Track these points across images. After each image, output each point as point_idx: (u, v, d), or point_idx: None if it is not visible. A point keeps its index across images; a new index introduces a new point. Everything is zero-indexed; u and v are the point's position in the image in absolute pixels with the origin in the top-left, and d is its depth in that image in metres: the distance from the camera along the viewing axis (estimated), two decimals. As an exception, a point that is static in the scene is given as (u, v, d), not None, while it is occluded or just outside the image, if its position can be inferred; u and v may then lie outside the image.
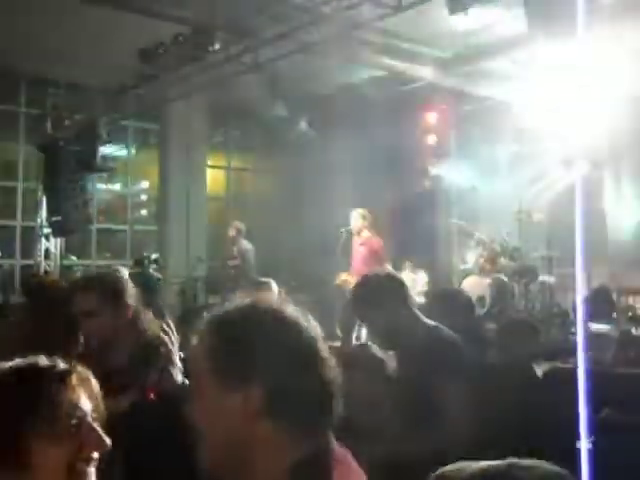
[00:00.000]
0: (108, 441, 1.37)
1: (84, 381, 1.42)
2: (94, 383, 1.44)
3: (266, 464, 1.30)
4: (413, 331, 3.06)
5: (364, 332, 8.95)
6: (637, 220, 10.75)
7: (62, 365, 1.40)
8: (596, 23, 5.27)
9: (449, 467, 1.08)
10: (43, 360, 1.40)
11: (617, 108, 8.75)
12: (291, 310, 1.40)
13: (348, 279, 8.65)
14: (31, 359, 1.40)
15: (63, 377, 1.37)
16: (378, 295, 3.06)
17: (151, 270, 9.30)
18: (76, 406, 1.36)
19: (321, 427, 1.36)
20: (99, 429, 1.38)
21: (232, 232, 10.34)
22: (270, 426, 1.29)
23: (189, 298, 11.17)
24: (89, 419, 1.37)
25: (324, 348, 1.40)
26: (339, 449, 1.37)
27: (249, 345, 1.32)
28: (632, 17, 6.75)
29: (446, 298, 4.26)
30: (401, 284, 3.18)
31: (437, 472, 1.08)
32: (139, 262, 9.82)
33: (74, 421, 1.35)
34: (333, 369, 1.38)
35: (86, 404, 1.39)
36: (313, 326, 1.41)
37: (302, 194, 14.05)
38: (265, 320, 1.36)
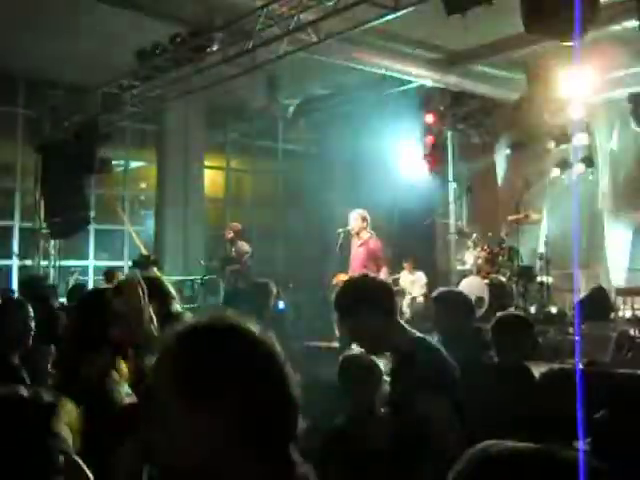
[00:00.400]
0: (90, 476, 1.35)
1: (67, 412, 1.39)
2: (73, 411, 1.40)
3: None
4: (395, 342, 3.00)
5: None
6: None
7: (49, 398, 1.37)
8: (591, 24, 5.29)
9: (490, 443, 1.05)
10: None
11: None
12: (250, 326, 1.30)
13: (345, 279, 8.65)
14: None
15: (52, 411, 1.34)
16: (359, 301, 2.97)
17: (151, 271, 9.29)
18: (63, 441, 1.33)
19: (287, 444, 1.28)
20: (81, 465, 1.35)
21: (230, 234, 10.33)
22: (239, 448, 1.20)
23: (187, 299, 11.17)
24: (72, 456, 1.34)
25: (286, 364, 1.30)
26: (302, 466, 1.30)
27: (217, 366, 1.22)
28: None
29: (447, 300, 4.25)
30: (387, 292, 3.08)
31: (478, 448, 1.06)
32: (137, 263, 9.82)
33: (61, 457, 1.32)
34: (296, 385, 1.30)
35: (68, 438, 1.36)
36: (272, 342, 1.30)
37: (301, 195, 14.07)
38: (230, 338, 1.27)
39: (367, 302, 2.95)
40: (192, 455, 1.19)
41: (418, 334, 3.04)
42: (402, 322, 3.09)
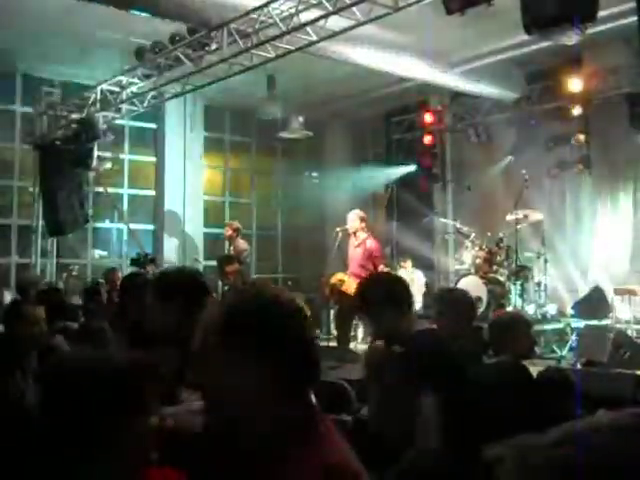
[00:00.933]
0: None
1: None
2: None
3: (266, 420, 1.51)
4: (411, 334, 3.10)
5: (360, 331, 9.00)
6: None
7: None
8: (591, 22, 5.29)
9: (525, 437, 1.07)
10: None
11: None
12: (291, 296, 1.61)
13: (344, 279, 8.66)
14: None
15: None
16: (389, 294, 3.18)
17: (148, 269, 9.28)
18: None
19: (309, 385, 1.57)
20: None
21: (229, 232, 10.31)
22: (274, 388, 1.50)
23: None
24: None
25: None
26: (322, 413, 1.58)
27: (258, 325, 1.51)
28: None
29: (450, 298, 4.27)
30: (407, 288, 3.32)
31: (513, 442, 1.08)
32: (135, 261, 9.83)
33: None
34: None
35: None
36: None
37: (299, 194, 14.07)
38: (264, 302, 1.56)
39: (390, 297, 3.17)
40: (238, 394, 1.49)
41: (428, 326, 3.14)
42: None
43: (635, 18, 4.56)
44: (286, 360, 1.49)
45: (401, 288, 3.29)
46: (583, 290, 10.44)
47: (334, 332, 9.43)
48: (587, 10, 5.14)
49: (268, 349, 1.48)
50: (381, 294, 3.22)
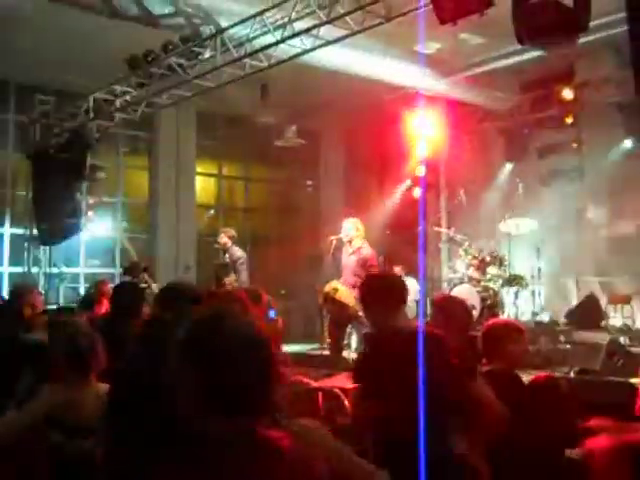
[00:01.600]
0: None
1: None
2: None
3: None
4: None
5: (354, 339, 8.98)
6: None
7: None
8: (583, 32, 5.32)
9: None
10: None
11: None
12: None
13: (337, 287, 8.64)
14: None
15: None
16: (399, 292, 3.48)
17: (142, 278, 9.25)
18: None
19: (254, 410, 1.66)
20: None
21: (223, 239, 10.27)
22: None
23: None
24: None
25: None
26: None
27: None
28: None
29: (447, 306, 4.28)
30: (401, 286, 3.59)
31: None
32: (128, 270, 9.79)
33: None
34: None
35: None
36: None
37: (293, 202, 14.08)
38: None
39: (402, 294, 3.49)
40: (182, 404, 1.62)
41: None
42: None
43: (626, 27, 4.58)
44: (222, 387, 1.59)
45: (396, 286, 3.55)
46: (577, 298, 10.47)
47: (328, 340, 9.40)
48: (579, 20, 5.17)
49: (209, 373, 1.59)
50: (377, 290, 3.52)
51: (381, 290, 3.54)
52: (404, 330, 3.31)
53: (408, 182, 12.95)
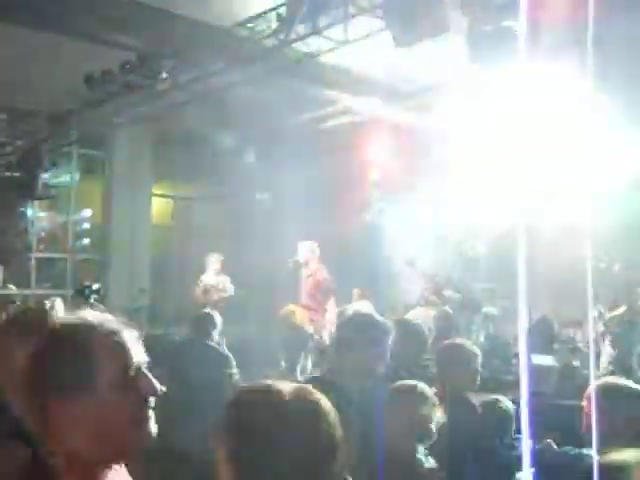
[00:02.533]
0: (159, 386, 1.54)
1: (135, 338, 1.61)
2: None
3: None
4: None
5: (309, 364, 8.94)
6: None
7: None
8: (535, 59, 5.43)
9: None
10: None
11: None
12: None
13: (295, 311, 8.61)
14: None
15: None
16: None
17: (91, 300, 9.06)
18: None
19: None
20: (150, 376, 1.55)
21: (217, 265, 10.20)
22: None
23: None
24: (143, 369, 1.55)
25: None
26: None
27: None
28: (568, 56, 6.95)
29: (403, 329, 4.29)
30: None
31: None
32: (80, 292, 9.58)
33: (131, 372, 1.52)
34: None
35: (140, 356, 1.57)
36: None
37: (249, 225, 14.01)
38: None
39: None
40: None
41: None
42: None
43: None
44: None
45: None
46: (530, 321, 10.58)
47: (282, 364, 9.34)
48: (532, 48, 5.27)
49: None
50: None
51: None
52: None
53: (365, 205, 13.03)
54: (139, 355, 1.57)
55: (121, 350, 1.53)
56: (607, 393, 2.83)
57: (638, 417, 2.74)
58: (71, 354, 1.50)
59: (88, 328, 1.53)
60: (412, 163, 11.88)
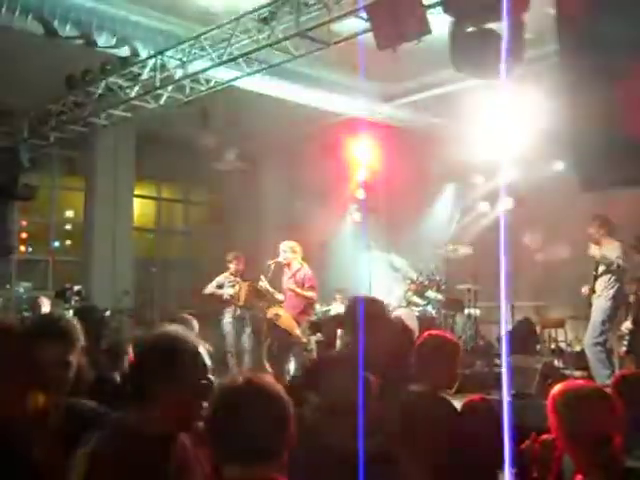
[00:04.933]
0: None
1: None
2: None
3: None
4: None
5: (292, 366, 8.91)
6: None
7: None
8: (518, 68, 5.46)
9: None
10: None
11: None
12: None
13: (279, 313, 8.58)
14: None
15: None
16: None
17: (73, 302, 9.01)
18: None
19: None
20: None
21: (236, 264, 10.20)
22: None
23: (113, 330, 10.83)
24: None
25: None
26: None
27: None
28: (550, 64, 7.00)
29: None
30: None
31: None
32: (61, 294, 9.52)
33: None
34: None
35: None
36: None
37: (233, 225, 13.97)
38: None
39: None
40: None
41: None
42: None
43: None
44: None
45: None
46: (512, 322, 10.64)
47: (269, 369, 9.32)
48: (514, 51, 5.30)
49: None
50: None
51: None
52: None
53: (350, 207, 13.05)
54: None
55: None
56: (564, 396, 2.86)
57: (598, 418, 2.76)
58: None
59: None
60: (396, 163, 11.92)
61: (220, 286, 10.17)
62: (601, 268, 8.00)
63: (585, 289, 8.16)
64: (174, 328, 2.34)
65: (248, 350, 10.17)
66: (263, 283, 8.96)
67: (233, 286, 10.03)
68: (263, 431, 1.95)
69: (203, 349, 2.32)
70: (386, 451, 2.88)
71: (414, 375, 3.76)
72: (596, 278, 8.03)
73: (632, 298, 8.45)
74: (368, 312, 3.82)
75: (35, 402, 2.46)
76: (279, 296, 8.94)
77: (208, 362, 2.30)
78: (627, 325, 8.25)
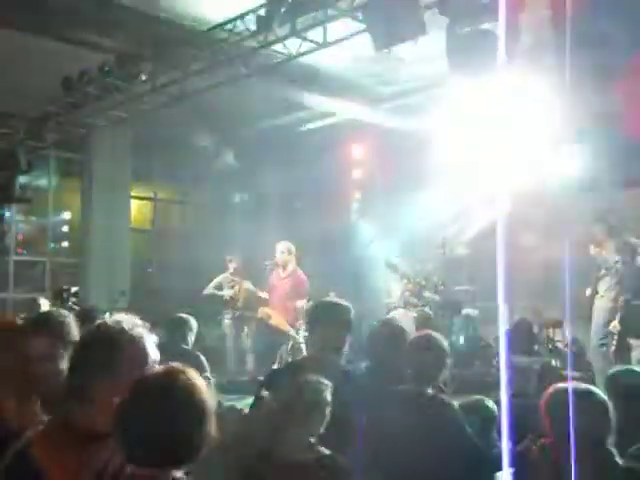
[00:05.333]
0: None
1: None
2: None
3: None
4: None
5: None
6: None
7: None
8: (514, 65, 5.46)
9: None
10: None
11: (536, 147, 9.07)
12: None
13: (270, 313, 8.59)
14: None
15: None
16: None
17: (70, 304, 8.98)
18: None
19: None
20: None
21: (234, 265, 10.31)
22: None
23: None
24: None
25: None
26: None
27: None
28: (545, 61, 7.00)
29: (378, 330, 4.31)
30: None
31: None
32: (57, 295, 9.50)
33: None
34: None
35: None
36: None
37: (229, 226, 13.95)
38: None
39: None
40: None
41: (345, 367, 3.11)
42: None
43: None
44: None
45: None
46: (510, 322, 10.64)
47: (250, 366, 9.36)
48: (511, 52, 5.30)
49: None
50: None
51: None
52: None
53: (346, 206, 13.05)
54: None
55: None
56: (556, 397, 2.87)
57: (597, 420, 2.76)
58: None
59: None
60: (393, 164, 11.91)
61: (219, 287, 10.21)
62: (603, 270, 7.99)
63: (588, 291, 8.14)
64: (117, 319, 2.10)
65: (248, 350, 10.20)
66: (247, 284, 9.11)
67: (232, 287, 10.07)
68: (171, 427, 1.76)
69: (150, 339, 2.10)
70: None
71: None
72: (598, 279, 8.01)
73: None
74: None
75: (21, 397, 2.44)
76: (262, 294, 9.06)
77: (154, 354, 2.09)
78: (615, 324, 8.24)
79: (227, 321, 10.13)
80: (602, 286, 8.01)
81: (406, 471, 3.11)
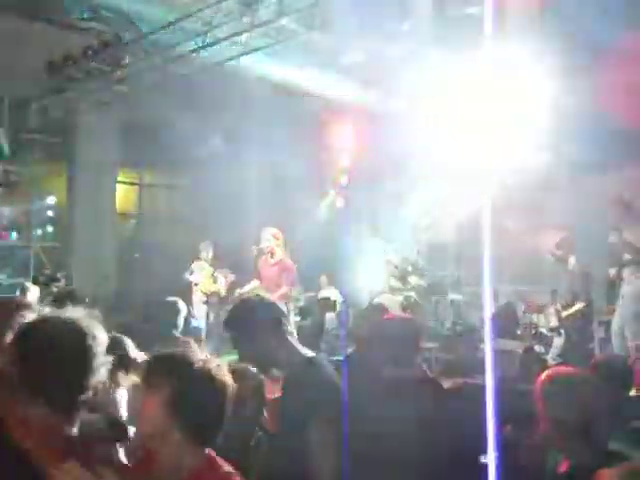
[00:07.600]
0: None
1: None
2: None
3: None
4: (286, 361, 2.96)
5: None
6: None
7: None
8: (500, 42, 5.46)
9: None
10: None
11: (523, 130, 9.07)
12: None
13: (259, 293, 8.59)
14: None
15: None
16: (250, 322, 2.98)
17: (52, 289, 8.94)
18: None
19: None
20: None
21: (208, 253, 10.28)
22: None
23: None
24: None
25: None
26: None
27: None
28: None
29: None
30: (276, 313, 3.03)
31: None
32: (37, 280, 9.46)
33: None
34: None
35: None
36: None
37: (215, 210, 13.91)
38: None
39: (255, 322, 2.95)
40: None
41: (309, 354, 3.01)
42: (293, 342, 3.04)
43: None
44: None
45: (267, 315, 3.03)
46: (494, 307, 10.71)
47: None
48: (496, 35, 5.31)
49: None
50: (242, 318, 3.05)
51: None
52: None
53: (332, 192, 13.04)
54: None
55: None
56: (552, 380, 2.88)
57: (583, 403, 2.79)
58: None
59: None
60: (381, 149, 11.90)
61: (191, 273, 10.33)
62: (627, 256, 7.65)
63: (612, 273, 7.87)
64: (58, 313, 1.95)
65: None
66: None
67: (212, 275, 10.16)
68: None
69: (100, 336, 1.93)
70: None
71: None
72: (623, 265, 7.68)
73: None
74: None
75: None
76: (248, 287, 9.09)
77: (102, 352, 1.93)
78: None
79: (203, 305, 10.26)
80: (627, 272, 7.70)
81: (391, 455, 3.13)
